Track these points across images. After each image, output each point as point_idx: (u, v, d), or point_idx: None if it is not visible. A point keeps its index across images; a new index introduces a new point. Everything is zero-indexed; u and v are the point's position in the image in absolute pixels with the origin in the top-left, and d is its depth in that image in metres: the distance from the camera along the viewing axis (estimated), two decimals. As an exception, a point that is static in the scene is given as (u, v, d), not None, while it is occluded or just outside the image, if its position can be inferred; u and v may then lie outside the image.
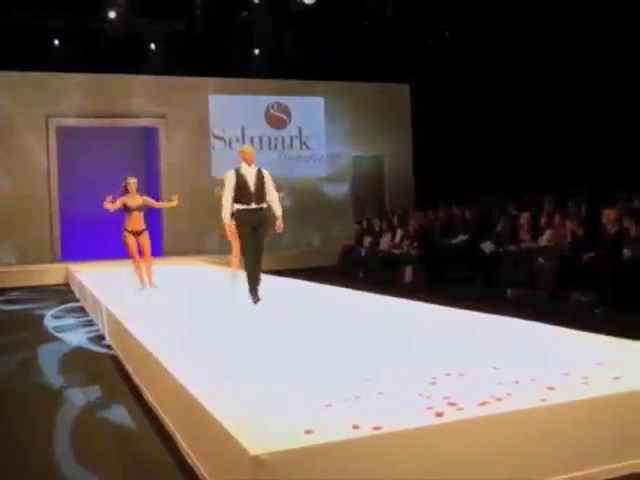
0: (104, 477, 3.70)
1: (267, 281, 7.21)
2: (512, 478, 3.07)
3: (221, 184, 7.30)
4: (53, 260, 15.57)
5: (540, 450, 3.12)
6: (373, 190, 18.17)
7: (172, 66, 16.01)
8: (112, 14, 15.10)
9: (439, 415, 3.05)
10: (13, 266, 14.97)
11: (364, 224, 15.18)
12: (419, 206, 16.10)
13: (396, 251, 12.68)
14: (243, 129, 17.23)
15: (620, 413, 3.29)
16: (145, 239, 8.98)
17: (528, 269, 9.62)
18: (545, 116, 13.63)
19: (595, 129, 12.49)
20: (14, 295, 12.62)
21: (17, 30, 14.64)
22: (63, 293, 12.54)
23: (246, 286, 7.07)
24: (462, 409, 3.11)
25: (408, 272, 11.95)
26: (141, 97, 16.30)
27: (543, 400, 3.21)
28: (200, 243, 16.28)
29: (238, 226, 7.03)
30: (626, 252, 8.39)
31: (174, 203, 9.52)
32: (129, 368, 5.88)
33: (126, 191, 8.85)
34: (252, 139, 17.01)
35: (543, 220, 10.26)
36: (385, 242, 13.52)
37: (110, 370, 6.20)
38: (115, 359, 6.52)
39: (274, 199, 7.19)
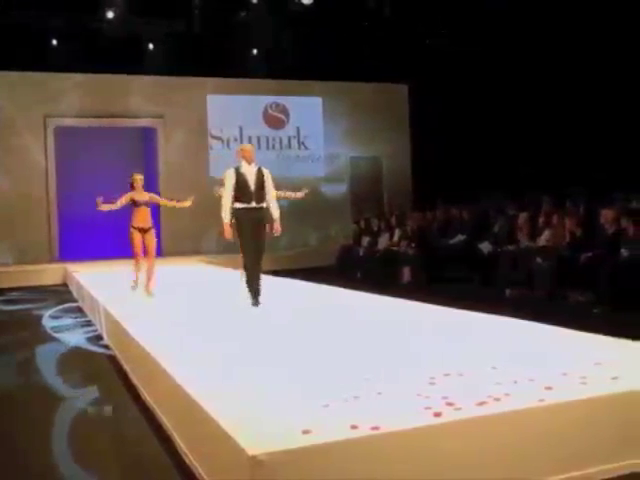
0: (102, 477, 3.70)
1: (265, 281, 7.20)
2: (510, 478, 3.07)
3: (221, 184, 7.26)
4: (51, 260, 15.56)
5: (538, 450, 3.12)
6: (371, 190, 18.17)
7: (170, 66, 16.01)
8: (110, 14, 15.10)
9: (437, 415, 3.05)
10: (11, 266, 14.96)
11: (362, 224, 15.18)
12: (417, 206, 16.10)
13: (395, 249, 12.69)
14: (241, 129, 17.23)
15: (618, 413, 3.30)
16: (151, 238, 8.57)
17: (526, 269, 9.62)
18: (543, 116, 13.64)
19: (593, 129, 12.51)
20: (12, 295, 12.60)
21: (16, 30, 14.62)
22: (61, 293, 12.53)
23: (245, 286, 7.06)
24: (460, 409, 3.11)
25: (406, 272, 11.96)
26: (139, 97, 16.29)
27: (541, 400, 3.21)
28: (198, 243, 16.29)
29: (238, 225, 6.94)
30: (624, 252, 8.40)
31: (187, 204, 8.95)
32: (127, 368, 5.88)
33: (132, 188, 8.54)
34: (250, 139, 17.00)
35: (541, 220, 10.27)
36: (383, 242, 13.52)
37: (108, 370, 6.20)
38: (113, 359, 6.52)
39: (273, 200, 7.13)
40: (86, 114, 15.89)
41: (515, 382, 3.52)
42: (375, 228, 14.39)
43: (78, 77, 15.76)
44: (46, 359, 6.85)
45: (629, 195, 10.16)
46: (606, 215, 8.95)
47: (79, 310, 10.09)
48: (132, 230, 8.47)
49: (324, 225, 17.59)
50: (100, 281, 10.14)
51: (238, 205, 6.94)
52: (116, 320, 6.48)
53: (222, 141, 17.12)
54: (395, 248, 12.81)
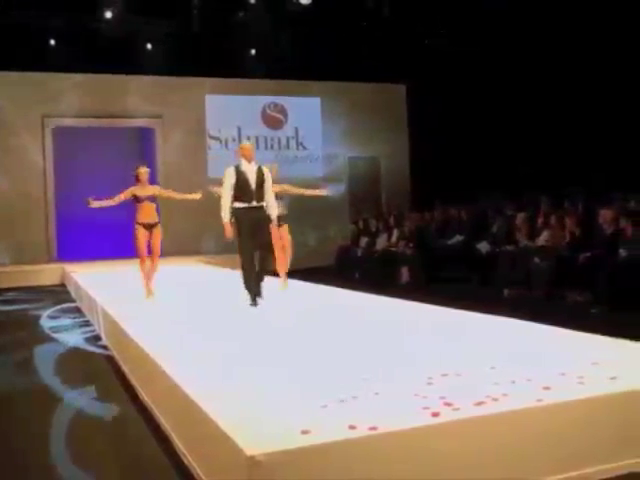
0: (100, 478, 3.70)
1: (264, 281, 7.18)
2: (508, 478, 3.07)
3: (219, 183, 7.21)
4: (49, 260, 15.55)
5: (536, 450, 3.12)
6: (369, 190, 18.17)
7: (169, 66, 15.99)
8: (108, 14, 15.09)
9: (435, 415, 3.05)
10: (9, 266, 14.94)
11: (360, 224, 15.20)
12: (415, 206, 16.12)
13: (393, 249, 12.70)
14: (239, 129, 17.22)
15: (616, 413, 3.30)
16: (157, 235, 8.13)
17: (524, 269, 9.63)
18: (541, 116, 13.65)
19: (591, 129, 12.51)
20: (10, 295, 12.60)
21: (14, 30, 14.60)
22: (59, 293, 12.53)
23: (243, 286, 7.04)
24: (458, 409, 3.11)
25: (404, 272, 11.96)
26: (137, 97, 16.28)
27: (539, 400, 3.21)
28: (197, 243, 16.26)
29: (237, 225, 6.84)
30: (622, 252, 8.41)
31: (197, 196, 8.52)
32: (125, 368, 5.87)
33: (137, 181, 8.09)
34: (248, 139, 16.94)
35: (539, 220, 10.28)
36: (381, 242, 13.53)
37: (106, 370, 6.19)
38: (111, 359, 6.51)
39: (272, 199, 7.06)
40: (84, 114, 15.88)
41: (513, 382, 3.52)
42: (373, 228, 14.40)
43: (76, 77, 15.74)
44: (44, 359, 6.83)
45: (627, 195, 10.16)
46: (604, 215, 8.96)
47: (77, 310, 10.09)
48: (137, 227, 8.02)
49: (322, 225, 17.57)
50: (98, 281, 10.13)
51: (238, 205, 6.85)
52: (114, 320, 6.47)
53: (220, 141, 17.12)
54: (393, 248, 12.82)
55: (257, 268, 7.00)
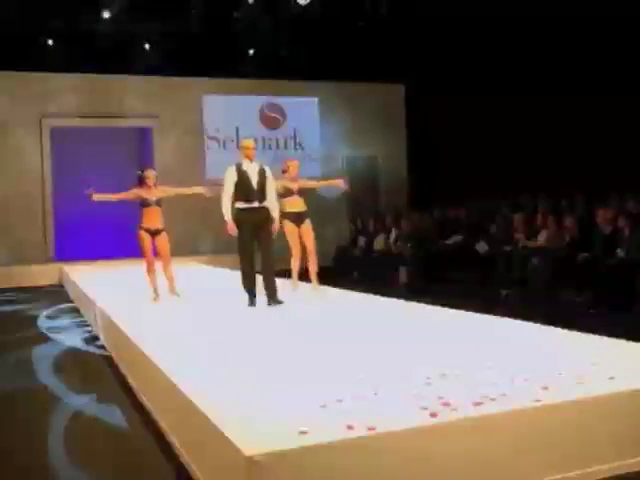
0: (98, 478, 3.69)
1: (262, 281, 7.18)
2: (507, 478, 3.07)
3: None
4: (47, 260, 15.52)
5: (534, 450, 3.12)
6: (367, 190, 18.15)
7: (166, 66, 15.97)
8: (106, 14, 15.07)
9: (434, 415, 3.04)
10: (7, 266, 14.91)
11: (358, 224, 15.19)
12: (413, 206, 16.11)
13: (392, 248, 12.70)
14: (237, 129, 17.20)
15: (614, 413, 3.30)
16: (164, 241, 7.88)
17: (523, 269, 9.64)
18: (540, 116, 13.65)
19: (590, 129, 12.51)
20: (8, 295, 12.58)
21: (12, 30, 14.58)
22: (57, 294, 12.51)
23: (241, 286, 7.03)
24: (456, 409, 3.11)
25: (402, 272, 11.96)
26: (135, 97, 16.25)
27: (537, 400, 3.21)
28: (195, 244, 16.24)
29: (238, 226, 6.74)
30: (620, 252, 8.41)
31: (202, 190, 8.18)
32: (123, 369, 5.87)
33: (143, 184, 7.80)
34: (247, 139, 16.97)
35: (538, 221, 10.28)
36: (379, 242, 13.53)
37: (104, 371, 6.19)
38: (109, 360, 6.51)
39: (273, 199, 6.99)
40: (81, 114, 15.86)
41: (511, 382, 3.52)
42: (371, 228, 14.39)
43: (74, 77, 15.71)
44: (42, 360, 6.82)
45: (626, 195, 10.16)
46: (603, 215, 8.96)
47: (75, 311, 10.07)
48: (140, 232, 7.77)
49: (320, 225, 17.47)
50: (96, 281, 10.12)
51: (239, 205, 6.74)
52: (112, 321, 6.46)
53: (218, 141, 17.10)
54: (392, 248, 12.82)
55: (263, 271, 6.92)
